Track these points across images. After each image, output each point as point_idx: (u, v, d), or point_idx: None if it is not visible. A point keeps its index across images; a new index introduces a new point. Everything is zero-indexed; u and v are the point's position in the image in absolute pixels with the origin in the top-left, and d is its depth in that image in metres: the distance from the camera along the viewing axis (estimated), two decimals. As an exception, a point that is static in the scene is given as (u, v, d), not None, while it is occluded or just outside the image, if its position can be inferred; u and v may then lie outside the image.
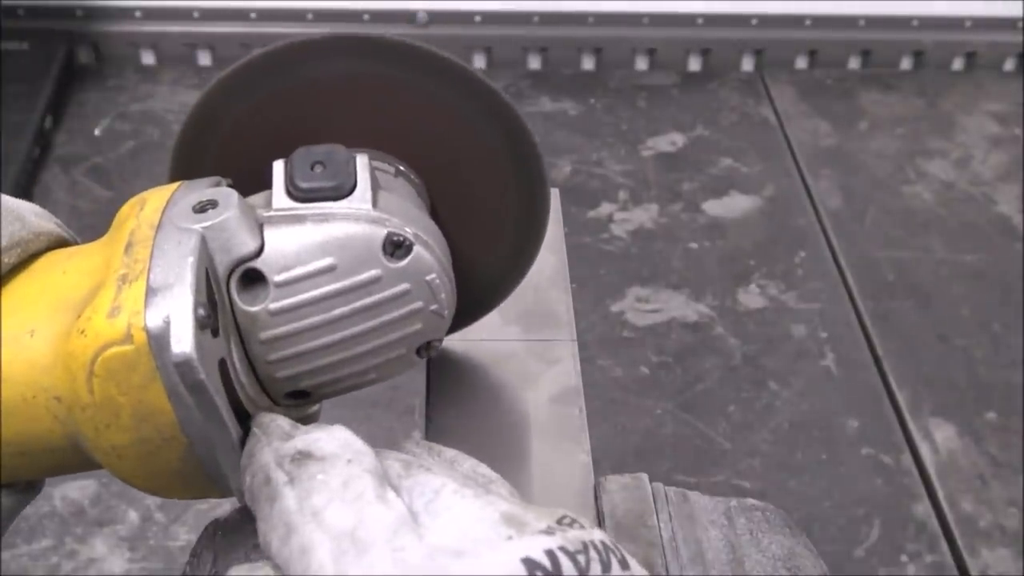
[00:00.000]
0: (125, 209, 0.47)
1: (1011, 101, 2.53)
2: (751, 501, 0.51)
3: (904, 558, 1.58)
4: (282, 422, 0.44)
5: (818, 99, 2.50)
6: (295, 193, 0.46)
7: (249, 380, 0.47)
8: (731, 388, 1.83)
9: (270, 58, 0.53)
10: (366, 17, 2.44)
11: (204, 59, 2.50)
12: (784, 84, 2.54)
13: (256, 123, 0.54)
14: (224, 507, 0.48)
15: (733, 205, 2.20)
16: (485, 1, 2.44)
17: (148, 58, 2.50)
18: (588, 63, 2.56)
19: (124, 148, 2.26)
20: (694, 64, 2.58)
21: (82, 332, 0.41)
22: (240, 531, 0.48)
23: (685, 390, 1.82)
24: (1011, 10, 2.54)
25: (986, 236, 2.18)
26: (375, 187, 0.48)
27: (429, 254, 0.47)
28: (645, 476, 0.52)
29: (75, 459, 0.45)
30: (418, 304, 0.48)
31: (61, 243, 0.48)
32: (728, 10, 2.49)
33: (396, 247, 0.46)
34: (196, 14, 2.43)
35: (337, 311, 0.46)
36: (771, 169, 2.30)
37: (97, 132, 2.29)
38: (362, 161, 0.48)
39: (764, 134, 2.41)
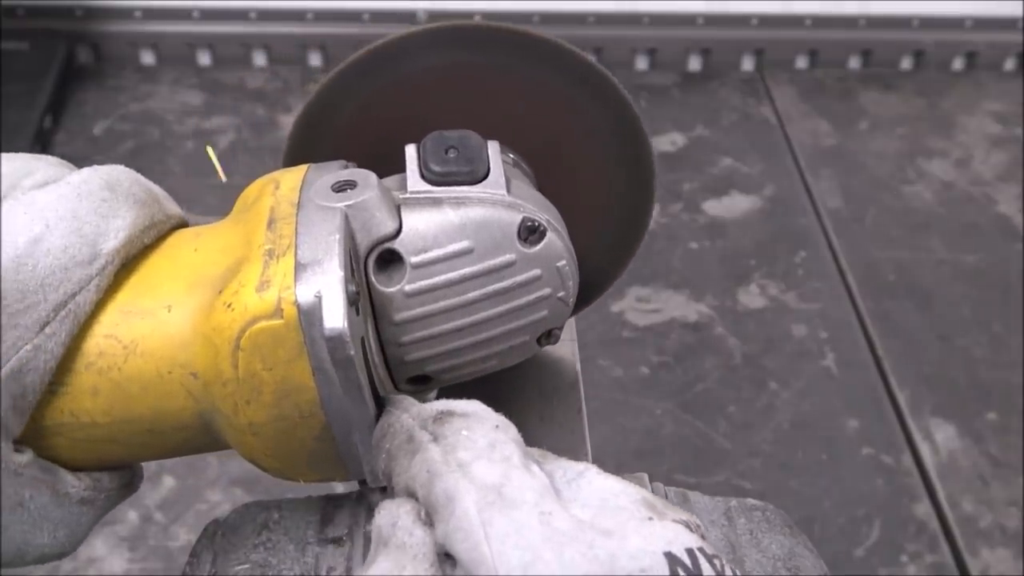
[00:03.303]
0: (253, 189, 0.46)
1: (1011, 101, 2.53)
2: (751, 501, 0.51)
3: (904, 558, 1.58)
4: (415, 400, 0.44)
5: (818, 99, 2.51)
6: (430, 176, 0.46)
7: (380, 361, 0.47)
8: (731, 388, 1.83)
9: (379, 53, 0.53)
10: (366, 17, 2.44)
11: (204, 59, 2.50)
12: (784, 84, 2.54)
13: (366, 115, 0.54)
14: (224, 507, 0.49)
15: (733, 205, 2.21)
16: (485, 1, 2.44)
17: (148, 58, 2.50)
18: (588, 63, 2.56)
19: (124, 148, 2.26)
20: (694, 64, 2.58)
21: (229, 306, 0.40)
22: (240, 531, 0.48)
23: (685, 390, 1.82)
24: (1011, 10, 2.54)
25: (986, 236, 2.18)
26: (507, 173, 0.48)
27: (560, 241, 0.47)
28: (645, 476, 0.52)
29: (202, 438, 0.44)
30: (547, 291, 0.48)
31: (183, 225, 0.48)
32: (728, 10, 2.50)
33: (530, 232, 0.46)
34: (196, 14, 2.43)
35: (470, 294, 0.46)
36: (771, 169, 2.30)
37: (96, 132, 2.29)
38: (493, 147, 0.48)
39: (764, 134, 2.41)
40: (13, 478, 0.41)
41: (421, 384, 0.50)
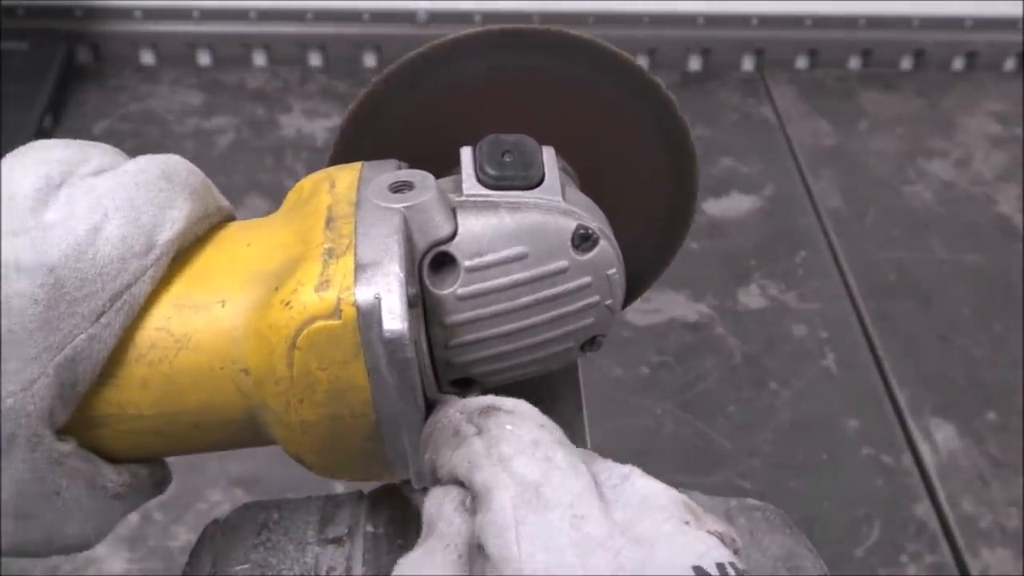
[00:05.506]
0: (307, 185, 0.46)
1: (1011, 101, 2.53)
2: (751, 501, 0.51)
3: (904, 558, 1.58)
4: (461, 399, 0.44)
5: (818, 99, 2.50)
6: (486, 180, 0.46)
7: (428, 363, 0.47)
8: (731, 388, 1.83)
9: (425, 58, 0.53)
10: (366, 17, 2.44)
11: (204, 59, 2.50)
12: (784, 84, 2.54)
13: (411, 118, 0.54)
14: (224, 507, 0.48)
15: (733, 205, 2.20)
16: (485, 1, 2.44)
17: (148, 58, 2.50)
18: (588, 63, 2.56)
19: (124, 148, 2.25)
20: (694, 64, 2.58)
21: (286, 304, 0.40)
22: (240, 531, 0.48)
23: (685, 390, 1.82)
24: (1011, 10, 2.54)
25: (986, 236, 2.18)
26: (562, 179, 0.48)
27: (612, 249, 0.48)
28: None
29: (245, 434, 0.44)
30: (595, 298, 0.48)
31: (232, 218, 0.48)
32: (728, 10, 2.49)
33: (584, 240, 0.47)
34: (196, 14, 2.43)
35: (522, 300, 0.46)
36: (771, 169, 2.30)
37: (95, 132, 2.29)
38: (548, 153, 0.48)
39: (764, 134, 2.41)
40: (53, 466, 0.41)
41: (464, 387, 0.50)
